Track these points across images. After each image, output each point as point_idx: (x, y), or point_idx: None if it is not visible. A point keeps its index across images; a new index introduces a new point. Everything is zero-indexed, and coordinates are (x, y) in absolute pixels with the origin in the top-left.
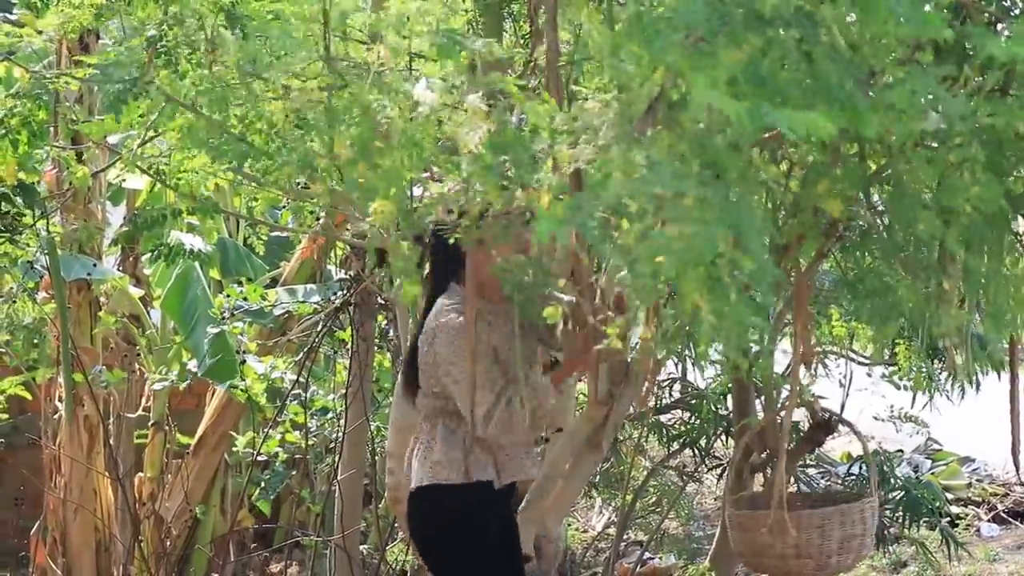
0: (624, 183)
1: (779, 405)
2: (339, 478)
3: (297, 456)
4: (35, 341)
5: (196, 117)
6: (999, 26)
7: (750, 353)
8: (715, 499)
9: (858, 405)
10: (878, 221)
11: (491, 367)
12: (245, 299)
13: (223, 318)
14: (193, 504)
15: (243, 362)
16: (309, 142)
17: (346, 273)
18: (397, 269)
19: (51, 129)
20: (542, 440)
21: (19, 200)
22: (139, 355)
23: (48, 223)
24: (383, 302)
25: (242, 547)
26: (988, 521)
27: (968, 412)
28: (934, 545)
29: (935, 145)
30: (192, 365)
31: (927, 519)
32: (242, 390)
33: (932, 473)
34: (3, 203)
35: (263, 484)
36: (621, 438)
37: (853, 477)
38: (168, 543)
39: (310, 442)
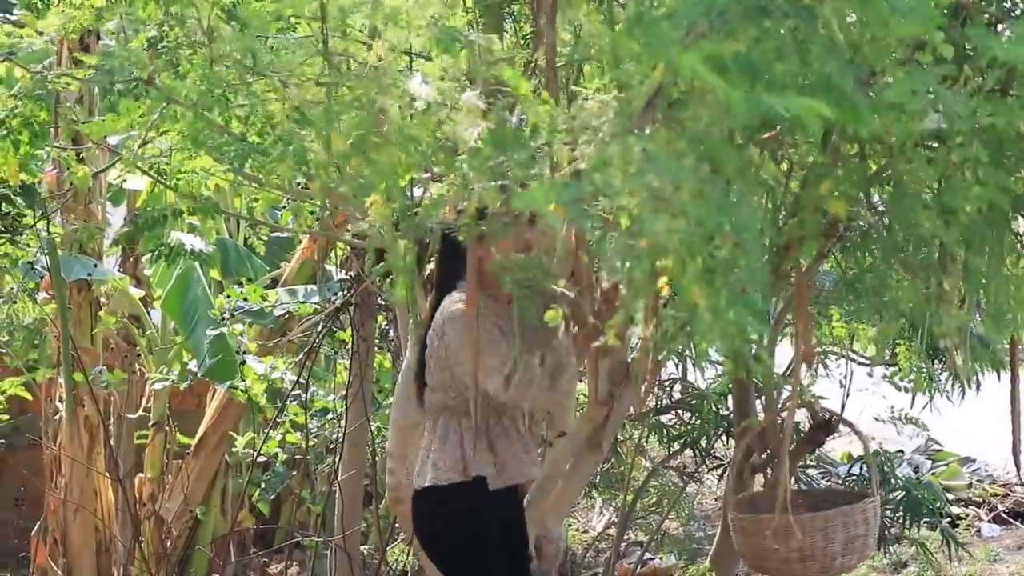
0: (621, 176)
1: (779, 406)
2: (339, 479)
3: (297, 457)
4: (35, 341)
5: (196, 117)
6: (999, 26)
7: (749, 353)
8: (715, 499)
9: (858, 406)
10: (879, 221)
11: (497, 339)
12: (245, 299)
13: (223, 318)
14: (193, 505)
15: (243, 362)
16: (308, 141)
17: (346, 273)
18: (396, 269)
19: (51, 130)
20: (544, 442)
21: (20, 200)
22: (139, 355)
23: (48, 224)
24: (383, 303)
25: (242, 548)
26: (988, 521)
27: (968, 412)
28: (934, 545)
29: (936, 145)
30: (192, 365)
31: (927, 519)
32: (242, 390)
33: (932, 473)
34: (4, 204)
35: (263, 485)
36: (621, 438)
37: (854, 477)
38: (168, 544)
39: (310, 443)
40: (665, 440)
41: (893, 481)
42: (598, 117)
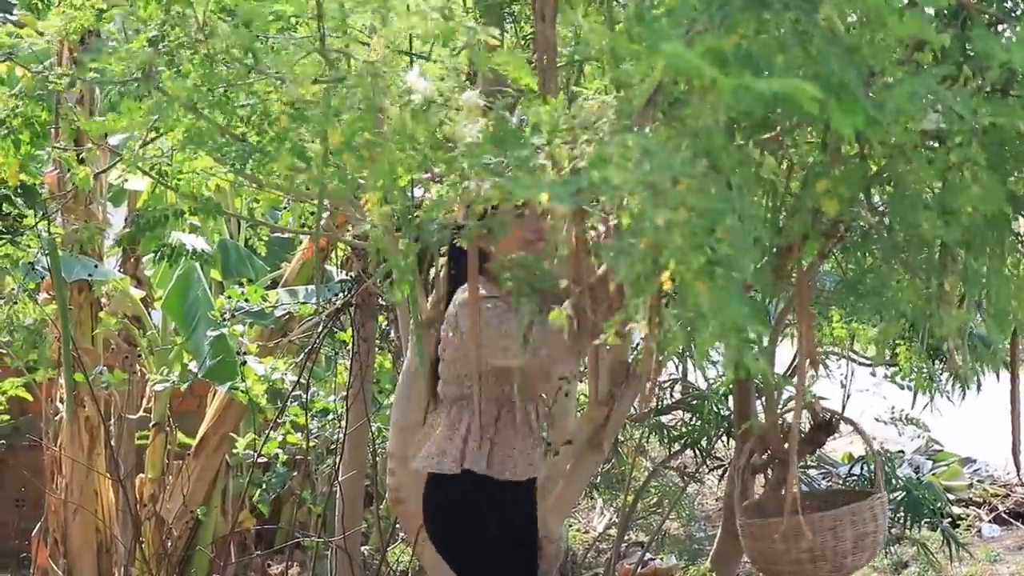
0: (620, 170)
1: (781, 406)
2: (340, 479)
3: (298, 457)
4: (36, 342)
5: (197, 118)
6: (1000, 27)
7: (749, 353)
8: (716, 500)
9: (859, 406)
10: (879, 221)
11: (504, 313)
12: (246, 300)
13: (224, 319)
14: (194, 505)
15: (244, 363)
16: (308, 141)
17: (347, 274)
18: (396, 269)
19: (52, 130)
20: (546, 445)
21: (20, 201)
22: (140, 356)
23: (49, 224)
24: (384, 303)
25: (243, 548)
26: (989, 522)
27: (969, 413)
28: (935, 546)
29: (936, 145)
30: (193, 366)
31: (928, 520)
32: (243, 391)
33: (933, 474)
34: (4, 204)
35: (264, 485)
36: (622, 439)
37: (855, 478)
38: (169, 544)
39: (311, 443)
40: (666, 440)
41: (894, 481)
42: (598, 116)
